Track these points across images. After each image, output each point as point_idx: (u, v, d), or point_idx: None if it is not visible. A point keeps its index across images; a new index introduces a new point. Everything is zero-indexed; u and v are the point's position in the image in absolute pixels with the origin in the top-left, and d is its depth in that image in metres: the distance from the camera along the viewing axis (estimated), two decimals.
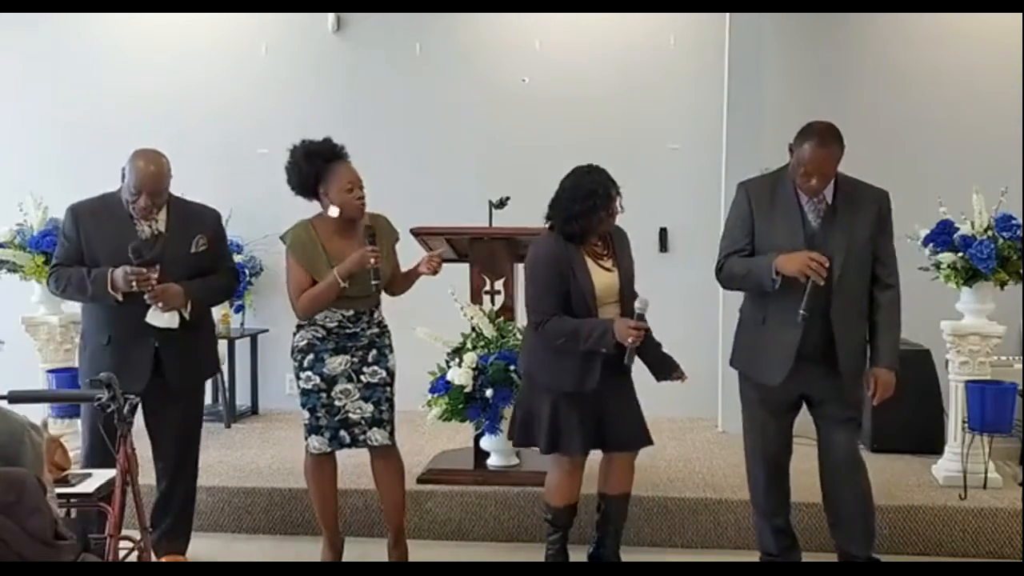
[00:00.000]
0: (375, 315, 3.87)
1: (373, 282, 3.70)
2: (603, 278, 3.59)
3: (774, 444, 3.69)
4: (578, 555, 3.87)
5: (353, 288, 3.71)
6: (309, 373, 3.79)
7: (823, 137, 3.43)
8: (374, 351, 3.83)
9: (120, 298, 3.66)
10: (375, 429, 3.80)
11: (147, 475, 3.77)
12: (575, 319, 3.51)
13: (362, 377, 3.79)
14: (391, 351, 3.91)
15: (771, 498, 3.74)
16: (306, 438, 3.84)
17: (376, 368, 3.81)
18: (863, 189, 3.58)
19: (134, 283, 3.60)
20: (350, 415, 3.79)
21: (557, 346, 3.53)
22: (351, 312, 3.80)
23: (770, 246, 3.50)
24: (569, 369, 3.56)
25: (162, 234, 3.73)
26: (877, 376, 3.53)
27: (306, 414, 3.81)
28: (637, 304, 3.53)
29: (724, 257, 3.66)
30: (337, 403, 3.78)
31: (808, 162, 3.42)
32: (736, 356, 3.75)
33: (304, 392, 3.81)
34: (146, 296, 3.63)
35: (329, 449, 3.82)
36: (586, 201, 3.49)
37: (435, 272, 3.87)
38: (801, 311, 3.38)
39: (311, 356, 3.79)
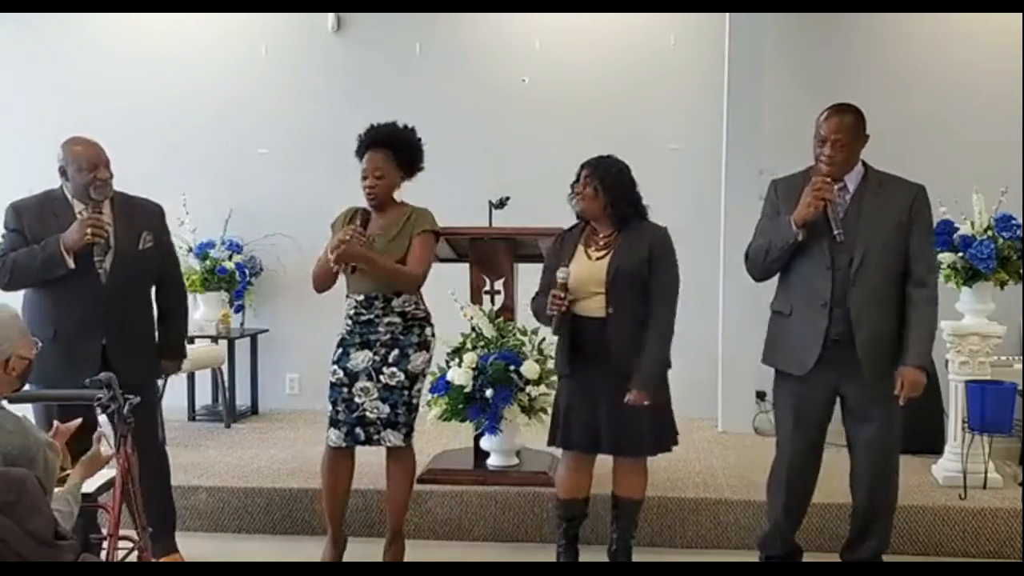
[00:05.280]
0: (393, 303, 3.81)
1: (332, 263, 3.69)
2: (583, 267, 3.60)
3: (796, 445, 3.61)
4: (597, 555, 3.88)
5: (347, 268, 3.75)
6: (335, 367, 3.83)
7: (839, 106, 3.49)
8: (396, 351, 3.80)
9: (72, 264, 3.54)
10: (389, 430, 3.80)
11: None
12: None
13: (381, 377, 3.79)
14: (418, 349, 3.83)
15: (782, 503, 3.69)
16: (328, 430, 3.86)
17: (395, 370, 3.79)
18: (893, 181, 3.53)
19: (89, 231, 3.50)
20: (367, 413, 3.79)
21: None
22: (361, 297, 3.81)
23: None
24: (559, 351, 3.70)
25: (109, 226, 3.65)
26: (904, 375, 3.43)
27: (329, 407, 3.84)
28: (559, 273, 3.57)
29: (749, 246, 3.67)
30: (356, 400, 3.79)
31: (824, 129, 3.44)
32: (766, 350, 3.70)
33: (330, 385, 3.84)
34: (95, 251, 3.55)
35: (344, 444, 3.82)
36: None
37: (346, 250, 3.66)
38: (836, 232, 3.38)
39: (340, 350, 3.85)
